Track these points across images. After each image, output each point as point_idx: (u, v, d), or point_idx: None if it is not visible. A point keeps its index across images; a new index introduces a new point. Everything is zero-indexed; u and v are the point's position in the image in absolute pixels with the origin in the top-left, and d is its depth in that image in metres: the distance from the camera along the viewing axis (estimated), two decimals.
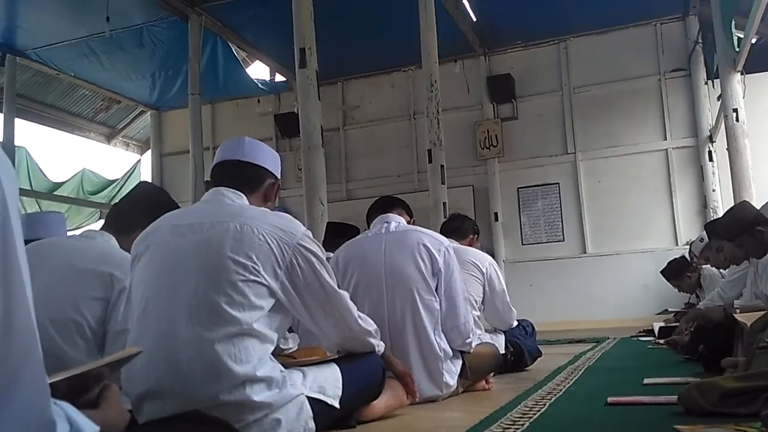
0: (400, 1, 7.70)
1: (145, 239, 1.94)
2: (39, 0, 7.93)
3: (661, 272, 6.27)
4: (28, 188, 10.42)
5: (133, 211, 2.25)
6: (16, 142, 9.81)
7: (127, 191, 2.54)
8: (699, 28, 9.16)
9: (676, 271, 5.95)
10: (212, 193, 2.01)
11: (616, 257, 9.18)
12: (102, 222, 2.33)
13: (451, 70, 9.89)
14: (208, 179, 2.14)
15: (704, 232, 5.10)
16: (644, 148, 9.32)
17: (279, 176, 2.15)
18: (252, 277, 1.79)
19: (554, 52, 9.96)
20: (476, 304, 3.51)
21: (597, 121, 9.52)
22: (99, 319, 1.98)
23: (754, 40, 7.29)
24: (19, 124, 10.11)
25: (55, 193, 10.87)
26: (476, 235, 4.05)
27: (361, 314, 2.12)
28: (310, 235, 1.97)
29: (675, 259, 6.18)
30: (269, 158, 2.11)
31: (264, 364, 1.79)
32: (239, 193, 2.00)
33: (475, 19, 9.21)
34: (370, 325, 2.16)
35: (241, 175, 2.04)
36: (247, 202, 2.00)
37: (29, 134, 15.10)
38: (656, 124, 9.36)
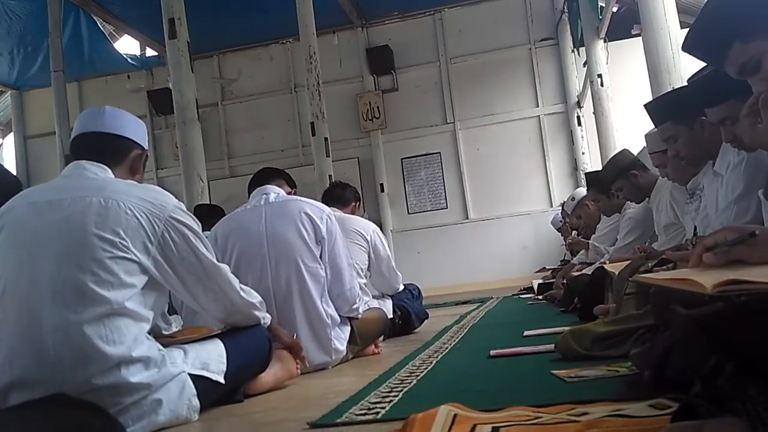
0: None
1: None
2: None
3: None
4: None
5: None
6: None
7: None
8: None
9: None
10: (72, 167, 1.88)
11: (497, 221, 9.54)
12: None
13: (329, 41, 9.82)
14: (68, 153, 1.99)
15: (575, 191, 5.37)
16: (518, 115, 9.69)
17: (146, 146, 2.04)
18: (120, 254, 1.71)
19: (430, 22, 10.10)
20: (362, 271, 3.53)
21: (473, 91, 9.78)
22: None
23: (615, 9, 7.71)
24: None
25: None
26: (358, 203, 4.06)
27: (243, 287, 2.07)
28: (183, 207, 1.90)
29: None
30: (134, 127, 1.99)
31: (140, 344, 1.71)
32: (103, 166, 1.88)
33: None
34: (253, 297, 2.11)
35: (104, 148, 1.91)
36: (112, 176, 1.89)
37: None
38: (529, 92, 9.74)
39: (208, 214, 3.66)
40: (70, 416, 1.16)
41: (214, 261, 1.93)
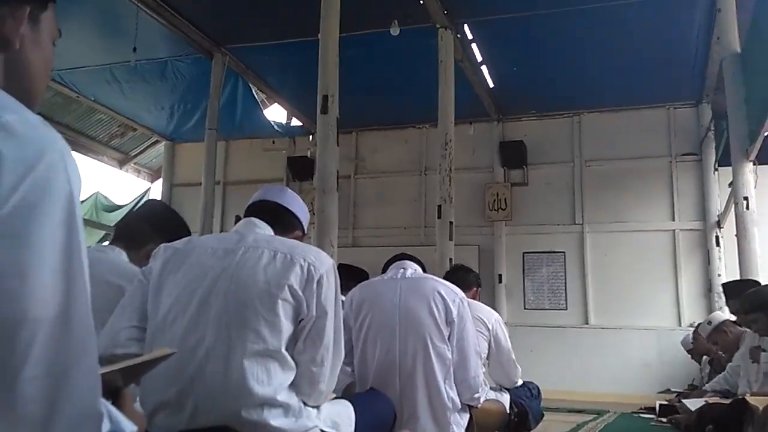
0: (422, 63, 7.87)
1: (178, 256, 1.90)
2: (71, 25, 8.07)
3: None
4: None
5: (143, 227, 2.33)
6: None
7: (135, 208, 2.60)
8: (711, 116, 9.31)
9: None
10: (245, 223, 2.04)
11: (618, 331, 9.09)
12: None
13: (465, 131, 9.99)
14: (239, 215, 2.17)
15: (713, 315, 5.07)
16: (652, 226, 9.33)
17: (305, 232, 2.19)
18: (281, 299, 1.79)
19: (567, 124, 10.09)
20: (481, 359, 3.45)
21: (606, 196, 9.58)
22: None
23: (767, 133, 7.40)
24: None
25: None
26: (479, 288, 4.01)
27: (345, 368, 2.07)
28: (335, 269, 1.96)
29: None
30: (304, 213, 2.18)
31: (283, 390, 1.77)
32: (269, 227, 2.02)
33: (492, 86, 9.36)
34: (332, 384, 1.95)
35: (277, 217, 2.08)
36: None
37: None
38: (665, 205, 9.40)
39: (349, 277, 3.58)
40: None
41: (334, 337, 1.89)
